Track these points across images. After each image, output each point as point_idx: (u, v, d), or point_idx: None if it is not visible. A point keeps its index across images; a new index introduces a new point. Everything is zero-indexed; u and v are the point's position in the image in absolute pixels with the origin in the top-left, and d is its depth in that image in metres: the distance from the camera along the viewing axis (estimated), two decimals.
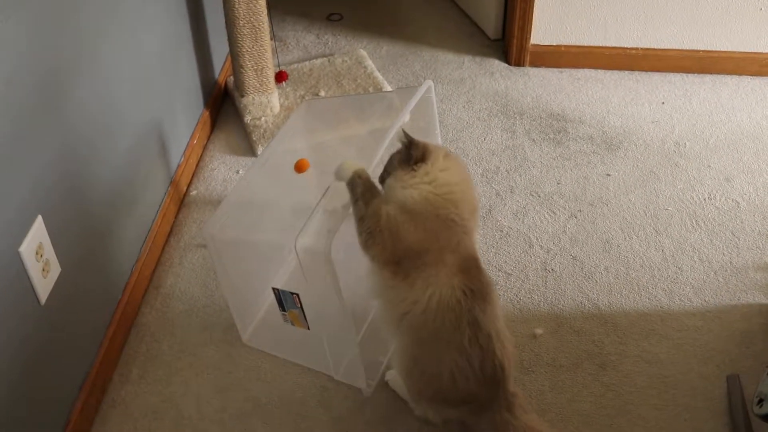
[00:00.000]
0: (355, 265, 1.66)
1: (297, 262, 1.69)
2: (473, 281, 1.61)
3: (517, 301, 2.11)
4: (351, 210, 1.65)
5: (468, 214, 1.63)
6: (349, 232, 2.25)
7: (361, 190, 1.63)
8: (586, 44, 3.02)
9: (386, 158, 1.74)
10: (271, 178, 2.03)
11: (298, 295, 1.81)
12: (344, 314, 1.72)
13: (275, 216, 2.01)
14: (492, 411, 1.64)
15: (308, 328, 1.86)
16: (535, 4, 2.93)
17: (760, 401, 1.65)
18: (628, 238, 2.30)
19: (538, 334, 2.01)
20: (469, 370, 1.60)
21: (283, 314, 1.88)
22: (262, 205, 2.04)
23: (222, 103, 2.91)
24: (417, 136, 1.67)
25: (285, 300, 1.84)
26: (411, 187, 1.61)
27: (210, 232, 1.85)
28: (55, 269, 1.66)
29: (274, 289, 1.85)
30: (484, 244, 2.28)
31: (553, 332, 2.02)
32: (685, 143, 2.67)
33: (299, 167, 2.16)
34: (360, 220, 1.62)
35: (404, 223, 1.57)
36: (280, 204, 2.08)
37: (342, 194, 1.70)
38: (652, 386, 1.88)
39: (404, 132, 1.67)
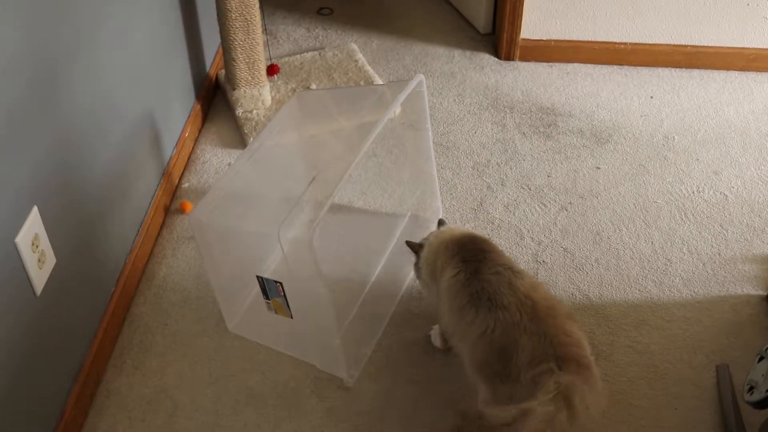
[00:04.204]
0: (343, 259, 1.67)
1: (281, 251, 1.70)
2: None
3: None
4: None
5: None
6: (340, 225, 2.25)
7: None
8: (575, 39, 3.04)
9: (373, 150, 1.77)
10: (259, 169, 2.03)
11: (281, 283, 1.82)
12: (326, 304, 1.74)
13: (263, 205, 2.01)
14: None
15: (291, 317, 1.87)
16: None
17: (751, 389, 1.67)
18: (618, 231, 2.32)
19: None
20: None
21: (267, 302, 1.89)
22: (249, 194, 2.04)
23: (213, 96, 2.91)
24: (408, 131, 1.68)
25: (269, 288, 1.85)
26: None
27: (196, 219, 1.85)
28: (51, 260, 1.66)
29: (258, 277, 1.86)
30: None
31: None
32: (673, 137, 2.69)
33: (183, 208, 2.34)
34: None
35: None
36: (267, 194, 2.08)
37: (327, 185, 1.72)
38: (643, 376, 1.91)
39: (407, 242, 1.97)
